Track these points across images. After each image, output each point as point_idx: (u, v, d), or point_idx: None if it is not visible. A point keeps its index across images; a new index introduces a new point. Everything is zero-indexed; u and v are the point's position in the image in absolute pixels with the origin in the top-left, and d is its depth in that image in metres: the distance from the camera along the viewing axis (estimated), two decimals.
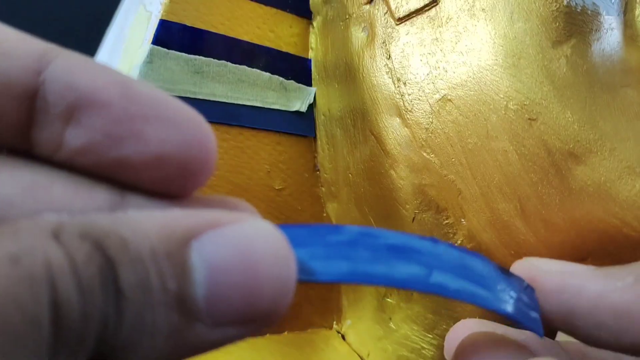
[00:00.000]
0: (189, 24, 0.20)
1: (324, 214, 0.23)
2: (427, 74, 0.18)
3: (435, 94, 0.18)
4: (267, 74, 0.21)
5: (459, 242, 0.18)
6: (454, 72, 0.17)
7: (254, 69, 0.21)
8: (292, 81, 0.22)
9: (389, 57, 0.20)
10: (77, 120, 0.11)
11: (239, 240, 0.09)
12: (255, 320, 0.10)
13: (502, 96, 0.16)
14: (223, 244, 0.09)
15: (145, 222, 0.09)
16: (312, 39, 0.24)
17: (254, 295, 0.09)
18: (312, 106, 0.23)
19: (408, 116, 0.19)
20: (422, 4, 0.18)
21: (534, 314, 0.12)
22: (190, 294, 0.09)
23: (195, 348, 0.09)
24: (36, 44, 0.11)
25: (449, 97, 0.17)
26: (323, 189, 0.23)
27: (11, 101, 0.10)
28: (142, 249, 0.09)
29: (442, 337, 0.19)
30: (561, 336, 0.17)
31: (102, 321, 0.08)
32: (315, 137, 0.23)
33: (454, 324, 0.18)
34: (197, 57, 0.20)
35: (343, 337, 0.23)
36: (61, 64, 0.11)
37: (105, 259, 0.08)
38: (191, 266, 0.09)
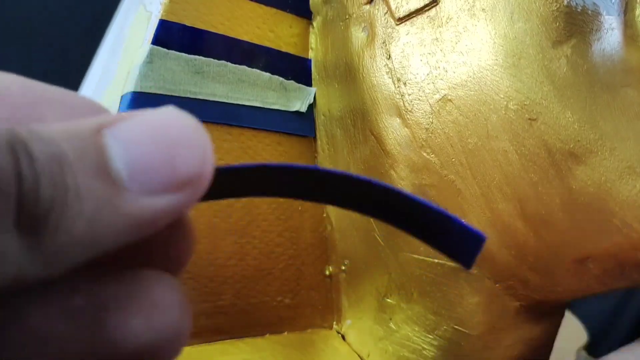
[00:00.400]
0: (188, 24, 0.20)
1: (324, 214, 0.23)
2: (427, 74, 0.18)
3: (435, 94, 0.18)
4: (267, 74, 0.21)
5: None
6: (454, 72, 0.17)
7: (254, 69, 0.21)
8: (292, 81, 0.22)
9: (389, 57, 0.20)
10: None
11: (150, 118, 0.11)
12: (179, 186, 0.11)
13: (502, 96, 0.16)
14: (135, 124, 0.11)
15: (58, 126, 0.10)
16: (312, 39, 0.24)
17: (173, 161, 0.11)
18: (312, 106, 0.23)
19: (408, 116, 0.19)
20: (422, 4, 0.18)
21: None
22: (109, 165, 0.10)
23: (137, 217, 0.10)
24: None
25: (449, 97, 0.17)
26: None
27: None
28: (54, 134, 0.10)
29: (443, 338, 0.19)
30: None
31: (17, 179, 0.09)
32: (315, 137, 0.23)
33: (454, 324, 0.18)
34: (197, 57, 0.20)
35: (343, 337, 0.23)
36: None
37: (16, 139, 0.09)
38: (105, 144, 0.10)
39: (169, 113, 0.11)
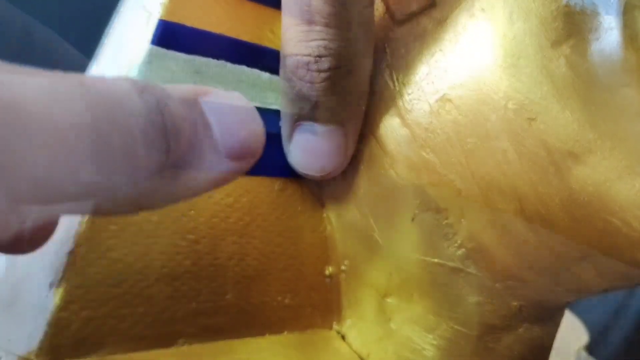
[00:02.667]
0: (188, 24, 0.20)
1: (324, 215, 0.23)
2: (427, 74, 0.18)
3: (434, 93, 0.18)
4: (267, 75, 0.21)
5: (458, 242, 0.18)
6: (454, 72, 0.17)
7: (254, 70, 0.21)
8: None
9: (389, 58, 0.20)
10: None
11: (231, 97, 0.13)
12: (248, 156, 0.13)
13: (501, 96, 0.16)
14: (221, 99, 0.13)
15: (170, 87, 0.12)
16: None
17: (247, 135, 0.13)
18: None
19: (408, 116, 0.19)
20: (421, 5, 0.18)
21: None
22: (210, 129, 0.12)
23: (220, 177, 0.13)
24: None
25: (448, 97, 0.17)
26: None
27: None
28: (176, 94, 0.12)
29: (443, 338, 0.19)
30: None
31: (164, 131, 0.11)
32: None
33: (454, 324, 0.18)
34: (196, 57, 0.20)
35: (343, 337, 0.23)
36: None
37: (160, 96, 0.11)
38: (205, 111, 0.13)
39: (239, 96, 0.14)
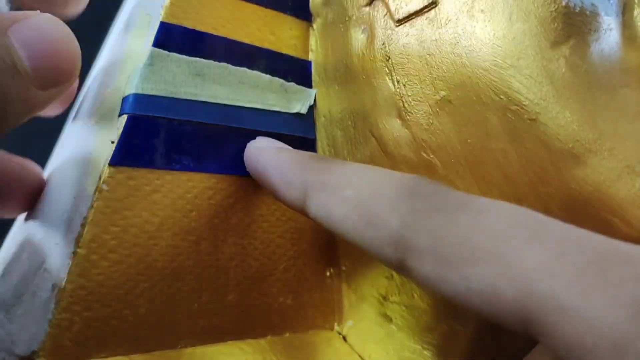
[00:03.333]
0: (189, 26, 0.20)
1: None
2: (427, 75, 0.18)
3: (435, 95, 0.18)
4: (268, 76, 0.22)
5: None
6: (454, 73, 0.17)
7: (255, 71, 0.21)
8: (292, 83, 0.22)
9: (389, 59, 0.20)
10: None
11: (40, 25, 0.14)
12: (64, 81, 0.15)
13: (501, 96, 0.16)
14: (30, 29, 0.14)
15: None
16: (312, 41, 0.24)
17: (60, 63, 0.14)
18: (312, 108, 0.23)
19: (408, 117, 0.19)
20: (421, 6, 0.19)
21: None
22: (22, 66, 0.14)
23: (35, 106, 0.15)
24: None
25: (448, 98, 0.18)
26: None
27: None
28: None
29: (443, 338, 0.19)
30: None
31: None
32: (315, 139, 0.23)
33: (454, 324, 0.18)
34: (198, 59, 0.20)
35: (344, 338, 0.23)
36: None
37: None
38: (14, 46, 0.13)
39: (54, 21, 0.15)
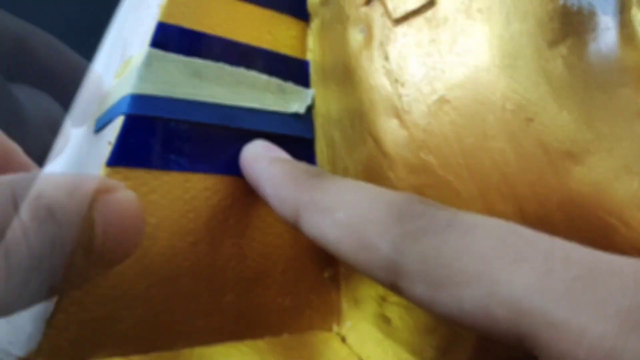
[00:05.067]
0: (186, 26, 0.20)
1: None
2: (425, 75, 0.18)
3: (432, 94, 0.18)
4: (265, 76, 0.21)
5: None
6: (451, 73, 0.17)
7: (252, 71, 0.21)
8: (290, 83, 0.22)
9: (387, 59, 0.20)
10: None
11: (122, 202, 0.14)
12: (122, 260, 0.15)
13: (499, 96, 0.16)
14: (112, 204, 0.14)
15: (56, 184, 0.14)
16: (310, 41, 0.24)
17: (127, 244, 0.15)
18: (310, 108, 0.23)
19: (406, 117, 0.19)
20: (418, 5, 0.19)
21: None
22: (94, 245, 0.13)
23: (88, 278, 0.15)
24: None
25: (446, 98, 0.17)
26: None
27: None
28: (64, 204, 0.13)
29: (443, 339, 0.19)
30: None
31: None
32: (313, 139, 0.23)
33: (456, 328, 0.18)
34: (195, 59, 0.20)
35: (343, 339, 0.23)
36: None
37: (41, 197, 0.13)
38: (95, 221, 0.13)
39: (134, 201, 0.15)
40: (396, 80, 0.19)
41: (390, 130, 0.19)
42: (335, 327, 0.23)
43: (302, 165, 0.18)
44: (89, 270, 0.14)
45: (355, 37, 0.21)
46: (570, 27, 0.15)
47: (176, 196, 0.19)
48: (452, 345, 0.18)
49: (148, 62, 0.19)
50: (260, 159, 0.19)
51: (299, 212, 0.16)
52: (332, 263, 0.23)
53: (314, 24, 0.24)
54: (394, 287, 0.13)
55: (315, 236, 0.16)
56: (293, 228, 0.17)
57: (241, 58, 0.21)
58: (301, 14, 0.24)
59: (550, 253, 0.11)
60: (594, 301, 0.10)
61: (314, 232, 0.16)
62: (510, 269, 0.11)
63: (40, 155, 0.22)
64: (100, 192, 0.14)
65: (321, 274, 0.23)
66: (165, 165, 0.19)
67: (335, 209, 0.15)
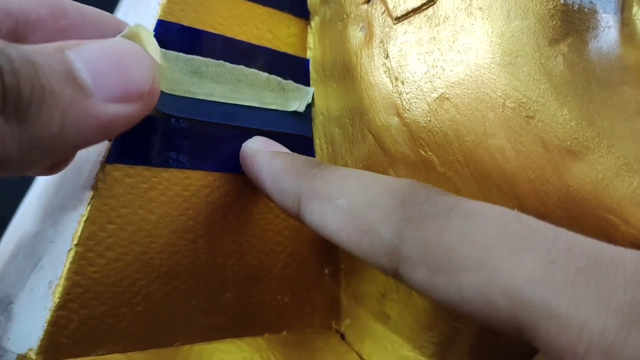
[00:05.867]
0: (186, 24, 0.20)
1: None
2: (425, 73, 0.18)
3: (433, 92, 0.18)
4: (265, 75, 0.21)
5: None
6: (452, 71, 0.17)
7: (252, 69, 0.21)
8: (290, 81, 0.22)
9: (387, 56, 0.20)
10: (19, 37, 0.15)
11: (106, 45, 0.14)
12: (134, 98, 0.14)
13: (499, 94, 0.16)
14: (92, 47, 0.13)
15: (27, 45, 0.12)
16: (310, 39, 0.24)
17: (127, 76, 0.14)
18: (310, 106, 0.23)
19: (406, 115, 0.19)
20: (419, 3, 0.19)
21: None
22: (75, 74, 0.13)
23: (104, 120, 0.13)
24: None
25: (446, 96, 0.17)
26: None
27: None
28: (25, 47, 0.12)
29: (442, 335, 0.19)
30: None
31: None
32: (312, 137, 0.23)
33: (453, 322, 0.18)
34: (195, 57, 0.20)
35: (343, 336, 0.23)
36: None
37: None
38: (70, 59, 0.13)
39: (122, 41, 0.14)
40: (396, 78, 0.19)
41: (390, 128, 0.19)
42: (334, 324, 0.23)
43: (303, 158, 0.18)
44: (92, 107, 0.13)
45: (355, 35, 0.21)
46: (571, 25, 0.15)
47: (176, 193, 0.19)
48: (452, 341, 0.18)
49: None
50: (261, 153, 0.19)
51: (300, 201, 0.16)
52: (331, 260, 0.23)
53: (314, 22, 0.24)
54: (396, 274, 0.13)
55: (317, 225, 0.15)
56: (296, 219, 0.17)
57: (241, 56, 0.21)
58: (301, 12, 0.24)
59: (553, 243, 0.11)
60: (596, 295, 0.10)
61: (315, 220, 0.15)
62: (513, 257, 0.11)
63: None
64: (71, 44, 0.13)
65: (321, 271, 0.23)
66: (165, 162, 0.19)
67: (337, 196, 0.15)
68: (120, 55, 0.14)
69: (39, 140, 0.12)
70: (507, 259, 0.11)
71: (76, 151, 0.16)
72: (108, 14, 0.17)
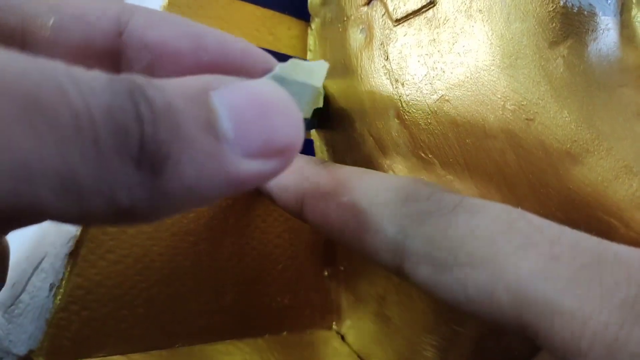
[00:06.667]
0: None
1: None
2: (425, 75, 0.18)
3: (433, 94, 0.18)
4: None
5: None
6: (452, 73, 0.17)
7: None
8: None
9: (387, 58, 0.20)
10: (157, 72, 0.13)
11: (252, 89, 0.12)
12: (275, 154, 0.12)
13: (499, 96, 0.16)
14: (239, 90, 0.11)
15: (169, 81, 0.11)
16: (311, 41, 0.24)
17: (271, 131, 0.12)
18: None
19: (406, 117, 0.19)
20: (419, 5, 0.19)
21: None
22: (217, 123, 0.11)
23: (238, 175, 0.11)
24: (111, 7, 0.13)
25: (446, 98, 0.18)
26: None
27: (99, 64, 0.13)
28: (166, 85, 0.10)
29: (443, 338, 0.19)
30: None
31: (138, 120, 0.10)
32: (312, 139, 0.23)
33: (454, 325, 0.18)
34: None
35: (343, 338, 0.23)
36: (137, 23, 0.13)
37: (136, 86, 0.10)
38: (213, 104, 0.11)
39: (268, 85, 0.12)
40: (397, 80, 0.19)
41: (390, 130, 0.19)
42: (334, 326, 0.23)
43: (305, 157, 0.18)
44: (227, 160, 0.11)
45: (355, 37, 0.21)
46: (570, 27, 0.15)
47: None
48: (452, 344, 0.18)
49: None
50: None
51: (303, 199, 0.16)
52: (331, 262, 0.23)
53: (315, 24, 0.24)
54: (400, 271, 0.13)
55: (320, 222, 0.15)
56: (298, 218, 0.16)
57: None
58: (302, 14, 0.24)
59: (558, 239, 0.11)
60: (600, 291, 0.10)
61: (318, 218, 0.15)
62: (517, 253, 0.11)
63: None
64: (216, 82, 0.12)
65: (321, 273, 0.23)
66: None
67: (340, 193, 0.15)
68: (267, 104, 0.12)
69: (171, 194, 0.11)
70: (513, 255, 0.11)
71: (204, 205, 0.14)
72: (252, 45, 0.15)
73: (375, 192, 0.14)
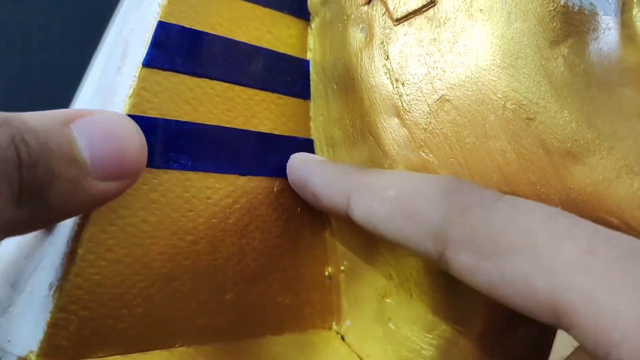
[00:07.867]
0: (187, 25, 0.20)
1: (324, 216, 0.23)
2: (425, 74, 0.18)
3: (433, 94, 0.18)
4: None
5: None
6: (452, 73, 0.17)
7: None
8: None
9: (387, 58, 0.20)
10: None
11: (105, 120, 0.14)
12: (125, 176, 0.15)
13: (499, 96, 0.16)
14: (96, 122, 0.14)
15: (31, 115, 0.13)
16: (311, 40, 0.24)
17: (122, 157, 0.14)
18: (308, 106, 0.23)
19: (406, 116, 0.19)
20: (420, 5, 0.19)
21: None
22: (78, 155, 0.13)
23: (94, 196, 0.14)
24: None
25: (447, 97, 0.17)
26: None
27: None
28: (37, 124, 0.13)
29: (442, 338, 0.19)
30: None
31: (18, 164, 0.12)
32: (312, 139, 0.23)
33: (453, 324, 0.18)
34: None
35: (343, 337, 0.23)
36: None
37: (15, 131, 0.12)
38: (74, 137, 0.13)
39: (119, 117, 0.15)
40: (397, 80, 0.19)
41: (390, 129, 0.19)
42: (335, 326, 0.23)
43: (348, 163, 0.20)
44: (85, 183, 0.14)
45: (355, 36, 0.21)
46: (571, 26, 0.15)
47: (176, 194, 0.19)
48: (452, 344, 0.18)
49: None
50: (310, 159, 0.21)
51: (350, 196, 0.17)
52: (331, 262, 0.23)
53: (315, 23, 0.24)
54: (441, 257, 0.14)
55: (365, 216, 0.16)
56: (343, 216, 0.17)
57: (241, 57, 0.21)
58: (302, 13, 0.24)
59: (594, 234, 0.12)
60: (633, 283, 0.10)
61: (363, 212, 0.16)
62: (555, 243, 0.12)
63: None
64: (74, 115, 0.14)
65: (321, 273, 0.23)
66: (166, 163, 0.19)
67: (386, 188, 0.16)
68: (117, 133, 0.15)
69: (44, 213, 0.13)
70: (551, 245, 0.12)
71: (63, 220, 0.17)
72: None
73: (419, 187, 0.15)
